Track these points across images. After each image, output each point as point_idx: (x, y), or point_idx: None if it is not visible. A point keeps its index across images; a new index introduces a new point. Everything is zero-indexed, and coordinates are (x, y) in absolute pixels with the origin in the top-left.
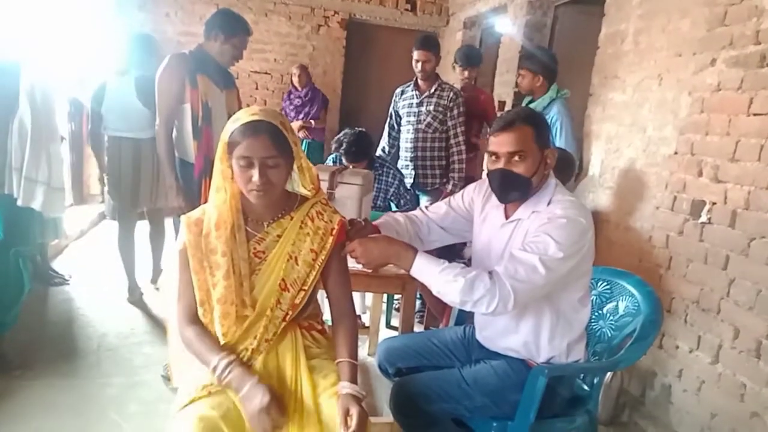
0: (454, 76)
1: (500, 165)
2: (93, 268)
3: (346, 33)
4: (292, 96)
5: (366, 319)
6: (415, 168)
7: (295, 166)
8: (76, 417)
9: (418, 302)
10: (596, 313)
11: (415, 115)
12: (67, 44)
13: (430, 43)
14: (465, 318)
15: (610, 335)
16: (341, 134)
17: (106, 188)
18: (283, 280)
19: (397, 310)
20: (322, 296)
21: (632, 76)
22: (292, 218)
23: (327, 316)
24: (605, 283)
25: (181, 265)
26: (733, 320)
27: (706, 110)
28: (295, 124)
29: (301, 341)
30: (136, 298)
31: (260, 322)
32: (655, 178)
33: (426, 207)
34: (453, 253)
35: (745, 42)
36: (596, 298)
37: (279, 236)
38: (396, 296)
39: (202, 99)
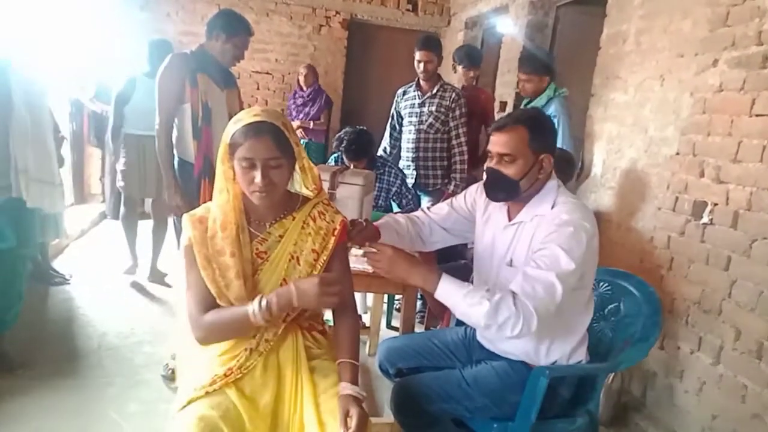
0: (455, 76)
1: (492, 164)
2: (93, 268)
3: (347, 33)
4: (296, 95)
5: (367, 319)
6: (417, 168)
7: (297, 167)
8: (76, 416)
9: (418, 303)
10: (598, 314)
11: (416, 116)
12: (67, 44)
13: (432, 44)
14: None
15: (611, 336)
16: (342, 132)
17: (121, 184)
18: (284, 280)
19: (398, 310)
20: None
21: (634, 77)
22: (294, 218)
23: (328, 316)
24: (607, 284)
25: (188, 262)
26: (735, 321)
27: (708, 111)
28: (293, 124)
29: (302, 342)
30: (133, 272)
31: None
32: (657, 178)
33: (428, 208)
34: (455, 253)
35: (747, 43)
36: (598, 299)
37: (281, 236)
38: (397, 297)
39: (202, 99)
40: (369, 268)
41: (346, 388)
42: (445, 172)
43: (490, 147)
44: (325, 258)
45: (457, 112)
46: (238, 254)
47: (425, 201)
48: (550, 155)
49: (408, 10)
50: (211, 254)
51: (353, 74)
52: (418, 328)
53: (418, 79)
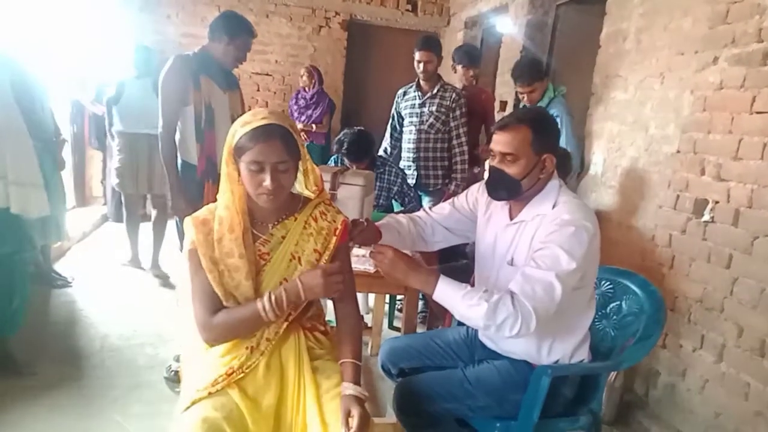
0: (455, 76)
1: (494, 163)
2: (95, 270)
3: (347, 34)
4: (298, 96)
5: (369, 319)
6: (418, 168)
7: (300, 168)
8: (79, 418)
9: (420, 303)
10: (600, 313)
11: (417, 116)
12: (67, 46)
13: (432, 44)
14: None
15: (613, 335)
16: (341, 134)
17: (115, 182)
18: (285, 279)
19: (400, 311)
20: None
21: (634, 75)
22: (296, 219)
23: (330, 316)
24: (608, 283)
25: (193, 265)
26: (737, 319)
27: (709, 109)
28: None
29: (304, 342)
30: (138, 265)
31: None
32: (658, 176)
33: (429, 208)
34: (456, 253)
35: (747, 40)
36: (600, 298)
37: (283, 237)
38: (399, 297)
39: (205, 100)
40: (371, 269)
41: (348, 388)
42: (446, 172)
43: (492, 146)
44: (326, 258)
45: (458, 112)
46: (246, 256)
47: (426, 201)
48: (552, 155)
49: (407, 10)
50: (218, 256)
51: (353, 75)
52: (420, 329)
53: (419, 80)
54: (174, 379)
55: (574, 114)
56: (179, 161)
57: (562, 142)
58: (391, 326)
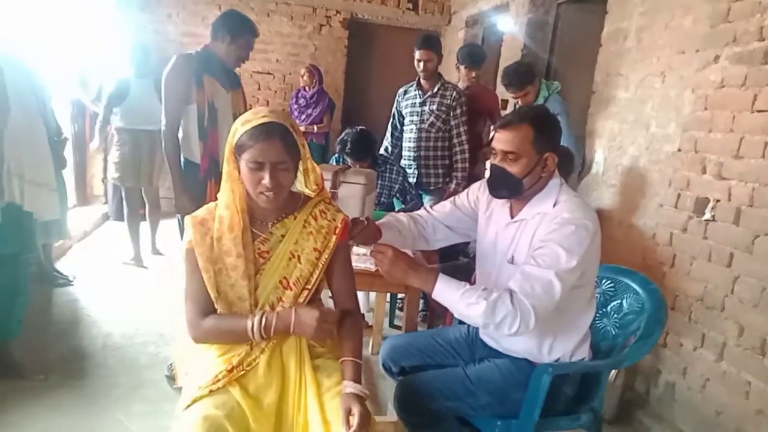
0: (456, 75)
1: (496, 161)
2: (97, 269)
3: (347, 32)
4: (299, 95)
5: (369, 318)
6: (418, 167)
7: (300, 167)
8: (82, 417)
9: (421, 302)
10: (600, 311)
11: (418, 115)
12: (68, 45)
13: (432, 43)
14: None
15: (614, 333)
16: (343, 134)
17: (116, 176)
18: (285, 278)
19: (401, 309)
20: (326, 295)
21: (635, 74)
22: (295, 218)
23: None
24: (609, 281)
25: (189, 264)
26: (738, 318)
27: (710, 107)
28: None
29: (305, 340)
30: (140, 263)
31: None
32: (659, 175)
33: (430, 206)
34: (456, 251)
35: (748, 38)
36: (600, 296)
37: (283, 236)
38: (399, 296)
39: (208, 99)
40: (371, 267)
41: (349, 386)
42: (447, 170)
43: (494, 144)
44: (326, 256)
45: (458, 111)
46: (244, 255)
47: (427, 200)
48: (554, 154)
49: (408, 8)
50: (216, 255)
51: (354, 73)
52: (421, 327)
53: (419, 79)
54: (174, 378)
55: (574, 112)
56: (182, 159)
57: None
58: (391, 325)
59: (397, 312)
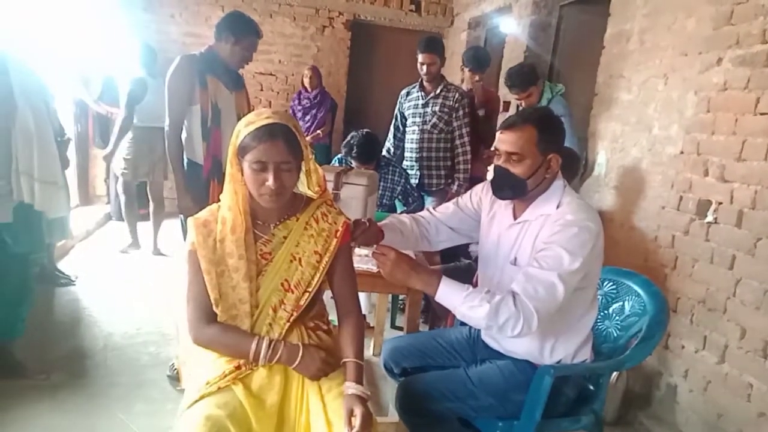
0: (459, 76)
1: (500, 162)
2: (99, 269)
3: (350, 34)
4: (301, 97)
5: (371, 319)
6: (420, 169)
7: (303, 168)
8: (83, 416)
9: (422, 302)
10: (602, 313)
11: (420, 116)
12: (71, 45)
13: (435, 46)
14: None
15: (615, 335)
16: (349, 137)
17: (123, 171)
18: (286, 280)
19: (402, 310)
20: (327, 296)
21: (638, 76)
22: (297, 219)
23: (333, 316)
24: (611, 283)
25: (192, 266)
26: (740, 320)
27: (713, 109)
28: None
29: (307, 341)
30: (138, 248)
31: (264, 321)
32: (661, 177)
33: (433, 207)
34: (458, 252)
35: (751, 41)
36: (602, 298)
37: (285, 237)
38: (401, 297)
39: (211, 100)
40: (373, 268)
41: (351, 387)
42: (449, 172)
43: (498, 145)
44: (327, 260)
45: (461, 112)
46: (246, 257)
47: (429, 201)
48: (558, 155)
49: (411, 10)
50: (219, 257)
51: (356, 75)
52: (422, 328)
53: (422, 80)
54: (177, 378)
55: (577, 114)
56: (185, 160)
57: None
58: (393, 326)
59: (399, 312)
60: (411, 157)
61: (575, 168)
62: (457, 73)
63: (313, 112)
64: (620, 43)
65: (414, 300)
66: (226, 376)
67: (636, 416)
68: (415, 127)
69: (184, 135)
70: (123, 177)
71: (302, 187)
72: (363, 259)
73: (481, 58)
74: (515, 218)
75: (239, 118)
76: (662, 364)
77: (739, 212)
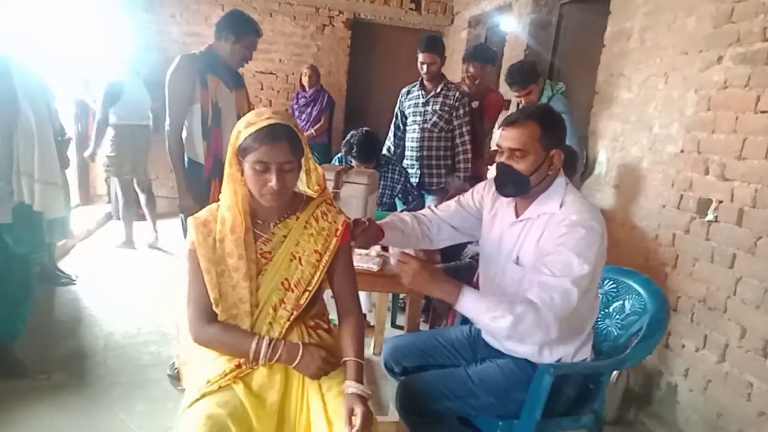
0: (459, 75)
1: (502, 159)
2: (99, 268)
3: (350, 33)
4: (299, 96)
5: (371, 318)
6: (421, 167)
7: (303, 167)
8: (84, 415)
9: (423, 301)
10: (602, 312)
11: (421, 115)
12: (72, 45)
13: (435, 45)
14: None
15: (616, 334)
16: (349, 136)
17: (112, 168)
18: (286, 279)
19: (403, 309)
20: (328, 295)
21: (638, 74)
22: (297, 218)
23: (333, 315)
24: (612, 282)
25: (192, 266)
26: (740, 319)
27: (713, 108)
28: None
29: (308, 340)
30: (131, 246)
31: (264, 320)
32: (662, 176)
33: (435, 206)
34: (458, 251)
35: (752, 39)
36: (603, 297)
37: (285, 236)
38: (401, 296)
39: (212, 99)
40: (374, 267)
41: (351, 386)
42: (449, 171)
43: (500, 142)
44: (327, 259)
45: (461, 111)
46: (246, 257)
47: (429, 200)
48: (560, 151)
49: (411, 9)
50: (219, 256)
51: (357, 73)
52: (423, 328)
53: (422, 79)
54: (178, 377)
55: (577, 113)
56: (186, 159)
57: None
58: (393, 325)
59: (399, 312)
60: (411, 156)
61: (574, 166)
62: (457, 72)
63: (309, 110)
64: (620, 41)
65: (414, 299)
66: (226, 375)
67: (636, 415)
68: (416, 126)
69: (184, 134)
70: (107, 173)
71: (302, 186)
72: (363, 258)
73: (479, 53)
74: (517, 216)
75: (239, 117)
76: (662, 363)
77: (739, 211)
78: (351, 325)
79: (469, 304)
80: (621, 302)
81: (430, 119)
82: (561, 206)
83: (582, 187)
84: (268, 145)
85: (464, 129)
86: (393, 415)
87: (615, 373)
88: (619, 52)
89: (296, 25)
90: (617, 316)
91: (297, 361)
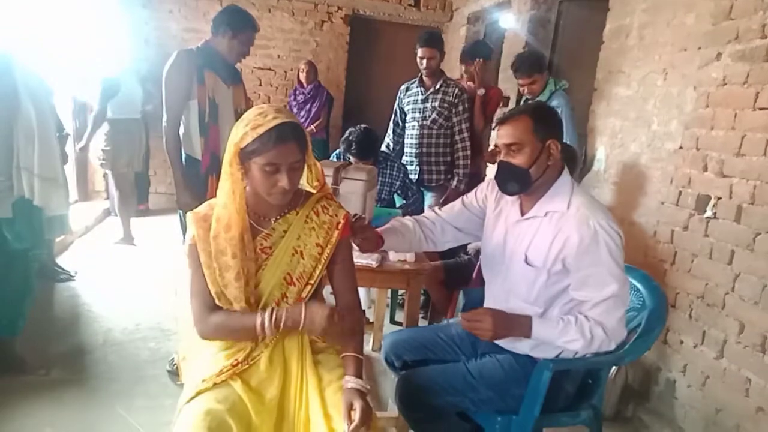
0: (457, 72)
1: (501, 157)
2: (98, 264)
3: (349, 29)
4: (297, 92)
5: (370, 314)
6: (420, 164)
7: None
8: (83, 411)
9: (422, 298)
10: None
11: (420, 112)
12: (70, 41)
13: (434, 40)
14: None
15: None
16: (347, 133)
17: (105, 162)
18: (288, 274)
19: (402, 305)
20: (327, 291)
21: (637, 71)
22: (297, 213)
23: None
24: None
25: (192, 260)
26: (738, 315)
27: (712, 105)
28: None
29: (307, 336)
30: (129, 242)
31: None
32: (660, 173)
33: (438, 207)
34: (457, 249)
35: (751, 36)
36: None
37: (285, 231)
38: (400, 292)
39: (209, 95)
40: (373, 263)
41: (350, 381)
42: (449, 167)
43: (497, 141)
44: (329, 252)
45: (460, 108)
46: (240, 256)
47: (428, 197)
48: (557, 141)
49: (410, 5)
50: (214, 253)
51: (355, 70)
52: (422, 324)
53: (421, 75)
54: (177, 373)
55: (576, 109)
56: (183, 155)
57: (564, 136)
58: (392, 321)
59: (398, 308)
60: (410, 153)
61: (573, 166)
62: (456, 68)
63: (308, 106)
64: (619, 38)
65: (413, 295)
66: (223, 372)
67: (634, 411)
68: (415, 123)
69: (181, 130)
70: (102, 168)
71: (302, 181)
72: (362, 253)
73: (479, 45)
74: (522, 214)
75: (237, 113)
76: (661, 359)
77: (738, 207)
78: (350, 321)
79: (542, 332)
80: None
81: (430, 116)
82: (569, 206)
83: (581, 184)
84: (279, 146)
85: (463, 126)
86: (392, 410)
87: (614, 368)
88: (618, 49)
89: (295, 21)
90: None
91: (302, 321)
